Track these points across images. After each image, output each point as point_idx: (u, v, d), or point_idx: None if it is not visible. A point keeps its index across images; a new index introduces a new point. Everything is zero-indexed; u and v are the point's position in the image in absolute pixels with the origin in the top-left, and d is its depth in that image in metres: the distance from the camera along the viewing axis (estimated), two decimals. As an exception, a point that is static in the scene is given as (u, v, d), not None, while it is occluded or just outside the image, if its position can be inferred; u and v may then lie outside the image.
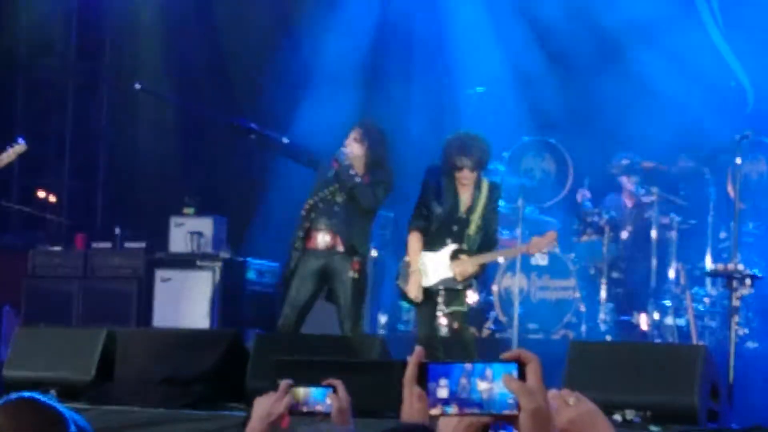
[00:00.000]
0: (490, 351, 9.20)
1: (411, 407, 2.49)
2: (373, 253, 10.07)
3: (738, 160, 8.61)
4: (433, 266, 8.66)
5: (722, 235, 10.02)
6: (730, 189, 9.92)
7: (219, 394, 8.00)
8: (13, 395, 2.95)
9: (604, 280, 10.48)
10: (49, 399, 3.00)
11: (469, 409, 2.37)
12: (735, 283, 8.20)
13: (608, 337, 10.24)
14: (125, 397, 8.03)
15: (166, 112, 12.90)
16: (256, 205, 11.83)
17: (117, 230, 11.57)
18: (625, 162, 10.76)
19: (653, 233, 10.35)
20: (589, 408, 2.52)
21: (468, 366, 2.38)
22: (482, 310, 10.72)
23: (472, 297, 8.98)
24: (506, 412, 2.36)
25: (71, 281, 11.30)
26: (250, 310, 11.19)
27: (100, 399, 8.04)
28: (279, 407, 3.81)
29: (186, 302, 10.93)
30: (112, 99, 13.40)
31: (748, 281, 8.28)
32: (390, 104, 11.60)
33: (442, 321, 8.62)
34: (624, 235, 10.65)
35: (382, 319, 11.17)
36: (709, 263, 9.85)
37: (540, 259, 10.49)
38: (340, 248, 8.93)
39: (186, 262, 11.09)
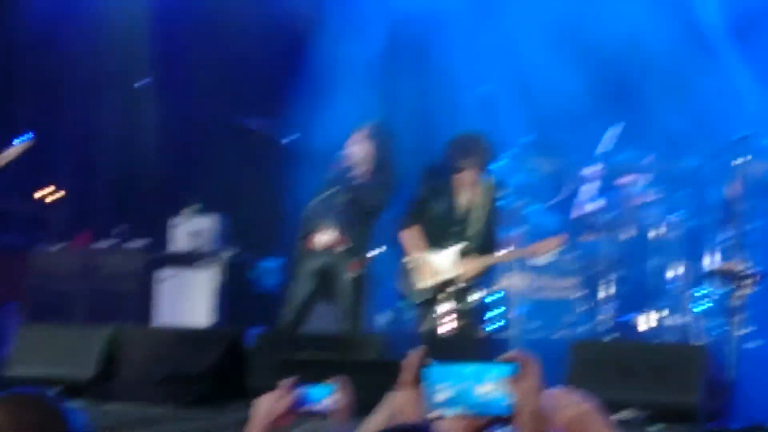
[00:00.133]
0: (489, 351, 9.19)
1: (409, 409, 2.50)
2: (374, 252, 10.07)
3: (739, 160, 8.61)
4: (437, 265, 8.66)
5: (723, 234, 10.01)
6: (730, 189, 9.91)
7: (220, 393, 8.01)
8: (15, 391, 2.95)
9: (604, 280, 10.48)
10: (49, 395, 2.99)
11: (470, 410, 2.38)
12: (736, 282, 8.20)
13: (609, 337, 10.24)
14: (126, 395, 8.05)
15: (168, 111, 12.89)
16: (257, 203, 11.83)
17: (118, 229, 11.57)
18: (626, 161, 10.76)
19: (654, 233, 10.34)
20: (590, 407, 2.52)
21: (468, 368, 2.39)
22: (483, 309, 10.70)
23: (473, 296, 8.96)
24: (504, 413, 2.37)
25: (73, 280, 11.30)
26: (251, 309, 11.18)
27: (101, 397, 8.05)
28: (280, 407, 3.81)
29: (187, 301, 10.94)
30: (114, 98, 13.40)
31: (748, 281, 8.28)
32: (391, 103, 11.60)
33: (445, 320, 8.63)
34: (624, 234, 10.64)
35: (383, 318, 11.16)
36: (709, 263, 9.84)
37: (541, 259, 10.49)
38: (341, 248, 8.94)
39: (188, 260, 11.10)
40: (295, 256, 9.26)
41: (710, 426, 6.94)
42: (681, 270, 10.10)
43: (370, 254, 9.44)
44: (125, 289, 11.20)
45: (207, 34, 12.67)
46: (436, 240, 8.71)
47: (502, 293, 10.59)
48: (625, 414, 6.86)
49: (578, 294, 10.53)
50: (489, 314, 10.58)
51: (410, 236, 8.73)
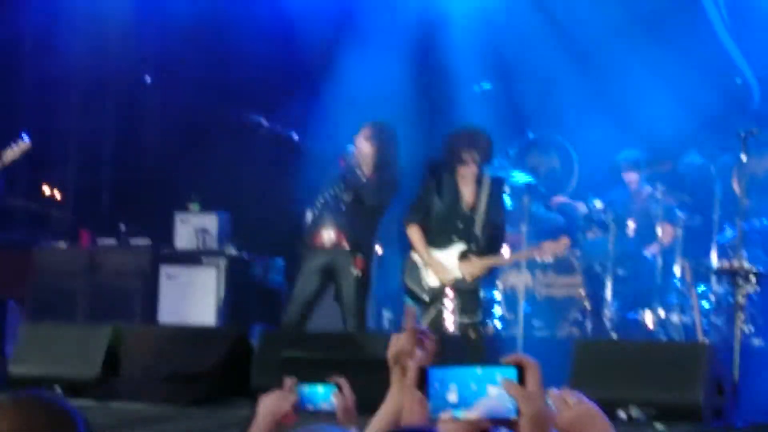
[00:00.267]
0: (494, 349, 9.19)
1: (411, 411, 2.49)
2: (378, 250, 10.07)
3: (744, 157, 8.61)
4: (443, 263, 8.66)
5: (728, 232, 10.00)
6: (735, 185, 9.90)
7: (224, 391, 8.01)
8: (24, 393, 2.95)
9: (609, 278, 10.48)
10: (59, 398, 2.99)
11: (474, 413, 2.37)
12: (740, 281, 8.19)
13: (613, 335, 10.23)
14: (130, 393, 8.05)
15: (172, 109, 12.89)
16: (261, 201, 11.83)
17: (122, 227, 11.57)
18: (630, 159, 10.76)
19: (659, 230, 10.34)
20: (589, 408, 2.52)
21: (472, 370, 2.38)
22: (487, 307, 10.71)
23: (478, 294, 8.96)
24: (506, 416, 2.36)
25: (76, 278, 11.30)
26: (255, 306, 11.18)
27: (105, 395, 8.05)
28: (284, 405, 3.81)
29: (191, 299, 10.93)
30: (118, 96, 13.39)
31: (753, 278, 8.27)
32: (392, 102, 11.60)
33: (452, 322, 8.62)
34: (629, 232, 10.64)
35: (387, 316, 11.17)
36: (714, 260, 9.83)
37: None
38: (345, 246, 8.94)
39: (191, 258, 11.09)
40: (300, 254, 9.26)
41: (714, 424, 6.94)
42: (686, 267, 10.09)
43: (375, 252, 9.44)
44: (129, 287, 11.19)
45: (209, 32, 12.66)
46: (442, 236, 8.71)
47: (507, 291, 10.58)
48: (629, 412, 6.86)
49: (582, 291, 10.52)
50: (493, 312, 10.59)
51: (416, 233, 8.73)
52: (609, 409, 2.55)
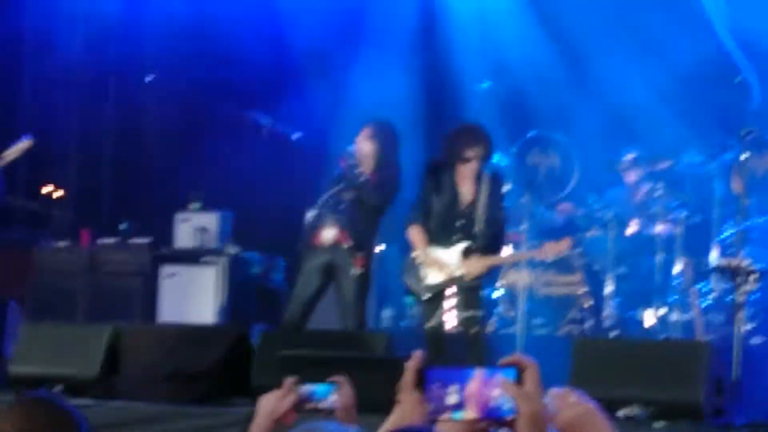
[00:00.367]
0: (494, 347, 9.19)
1: (410, 412, 2.49)
2: (379, 248, 10.07)
3: (743, 156, 8.61)
4: (444, 262, 8.66)
5: (728, 230, 10.00)
6: (735, 184, 9.91)
7: (224, 390, 8.01)
8: (24, 393, 2.96)
9: (609, 276, 10.48)
10: (60, 397, 3.00)
11: (473, 414, 2.38)
12: (740, 279, 8.19)
13: (613, 333, 10.24)
14: (131, 392, 8.05)
15: (173, 108, 12.89)
16: (262, 200, 11.83)
17: (122, 226, 11.56)
18: (630, 157, 10.76)
19: (658, 228, 10.34)
20: (589, 407, 2.52)
21: (471, 371, 2.38)
22: (487, 305, 10.71)
23: (478, 293, 8.96)
24: (504, 416, 2.37)
25: (76, 277, 11.30)
26: (255, 305, 11.18)
27: (105, 395, 8.06)
28: (284, 404, 3.81)
29: (191, 298, 10.93)
30: (118, 95, 13.39)
31: (753, 276, 8.27)
32: (393, 99, 11.60)
33: (455, 322, 8.61)
34: (629, 230, 10.64)
35: (387, 314, 11.17)
36: (714, 259, 9.83)
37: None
38: (346, 244, 8.94)
39: (191, 257, 11.09)
40: (300, 253, 9.26)
41: (715, 423, 6.94)
42: (686, 265, 10.09)
43: (375, 251, 9.44)
44: (129, 287, 11.19)
45: (210, 31, 12.66)
46: (442, 234, 8.71)
47: (508, 289, 10.59)
48: (629, 411, 6.86)
49: (583, 290, 10.53)
50: (494, 310, 10.59)
51: (417, 233, 8.73)
52: (609, 407, 2.55)
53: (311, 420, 2.77)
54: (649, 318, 10.22)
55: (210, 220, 11.28)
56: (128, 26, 13.24)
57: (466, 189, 8.74)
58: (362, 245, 8.92)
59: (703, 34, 11.40)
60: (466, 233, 8.70)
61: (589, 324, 10.47)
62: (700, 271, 10.09)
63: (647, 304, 10.30)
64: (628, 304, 10.49)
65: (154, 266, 11.18)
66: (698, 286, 9.97)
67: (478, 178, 8.74)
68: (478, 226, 8.71)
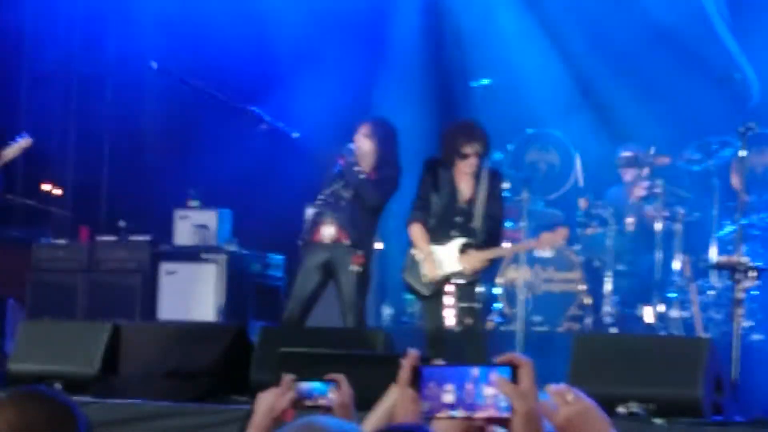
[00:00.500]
0: (494, 344, 9.20)
1: (404, 410, 2.49)
2: (378, 245, 10.07)
3: (743, 153, 8.61)
4: (443, 259, 8.66)
5: (727, 227, 10.00)
6: (734, 181, 9.91)
7: (224, 388, 8.01)
8: (24, 389, 2.95)
9: (608, 273, 10.49)
10: (59, 393, 3.00)
11: (468, 412, 2.37)
12: (739, 276, 8.19)
13: (613, 330, 10.24)
14: (130, 390, 8.04)
15: (172, 105, 12.88)
16: (261, 197, 11.82)
17: (122, 223, 11.56)
18: (629, 154, 10.75)
19: (658, 225, 10.34)
20: (587, 405, 2.51)
21: (466, 369, 2.38)
22: (486, 302, 10.71)
23: (478, 289, 8.95)
24: (500, 414, 2.36)
25: (76, 274, 11.30)
26: (254, 303, 11.19)
27: (104, 392, 8.04)
28: (282, 402, 3.81)
29: (191, 295, 10.93)
30: (117, 91, 13.38)
31: (752, 273, 8.27)
32: (393, 98, 11.59)
33: (453, 315, 8.61)
34: (628, 227, 10.64)
35: (387, 311, 11.17)
36: (713, 255, 9.84)
37: (545, 252, 10.49)
38: (345, 242, 8.94)
39: (191, 255, 11.09)
40: (299, 250, 9.26)
41: (714, 419, 6.93)
42: (686, 262, 10.10)
43: (375, 248, 9.44)
44: (129, 284, 11.20)
45: (210, 28, 12.65)
46: (441, 231, 8.70)
47: (507, 287, 10.59)
48: (628, 407, 6.85)
49: (582, 287, 10.53)
50: (493, 307, 10.59)
51: (418, 230, 8.73)
52: (608, 404, 2.54)
53: (309, 417, 2.78)
54: (649, 315, 10.21)
55: (209, 218, 11.28)
56: (126, 25, 13.23)
57: (464, 185, 8.74)
58: (361, 243, 8.92)
59: (704, 31, 11.40)
60: (465, 229, 8.70)
61: (588, 321, 10.47)
62: (700, 268, 10.09)
63: (647, 301, 10.30)
64: (628, 301, 10.49)
65: (153, 264, 11.18)
66: (697, 283, 9.97)
67: (477, 175, 8.73)
68: (477, 223, 8.71)
